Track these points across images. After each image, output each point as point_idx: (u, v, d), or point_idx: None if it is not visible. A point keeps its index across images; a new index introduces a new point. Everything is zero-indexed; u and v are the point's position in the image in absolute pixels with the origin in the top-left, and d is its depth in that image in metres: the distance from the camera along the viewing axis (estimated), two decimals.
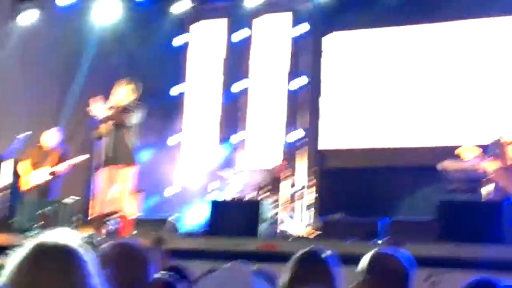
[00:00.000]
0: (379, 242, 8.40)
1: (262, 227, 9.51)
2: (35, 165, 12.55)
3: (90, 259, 2.21)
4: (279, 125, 16.32)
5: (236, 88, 16.61)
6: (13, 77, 16.01)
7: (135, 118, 10.35)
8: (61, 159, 12.60)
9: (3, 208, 12.80)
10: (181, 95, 17.29)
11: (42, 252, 2.15)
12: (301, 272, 3.82)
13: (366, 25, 15.65)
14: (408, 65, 15.31)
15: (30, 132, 13.01)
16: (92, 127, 10.82)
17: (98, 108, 10.18)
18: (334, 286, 3.88)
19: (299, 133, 15.63)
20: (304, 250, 3.97)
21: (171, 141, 16.91)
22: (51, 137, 12.74)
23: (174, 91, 17.18)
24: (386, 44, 15.63)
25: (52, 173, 12.51)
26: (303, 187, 14.04)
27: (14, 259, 2.16)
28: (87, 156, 12.85)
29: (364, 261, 3.90)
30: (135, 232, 10.15)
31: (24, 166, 12.60)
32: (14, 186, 12.81)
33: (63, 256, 2.15)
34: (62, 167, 12.51)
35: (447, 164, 11.17)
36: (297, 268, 3.84)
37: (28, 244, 2.19)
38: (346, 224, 10.30)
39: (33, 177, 12.46)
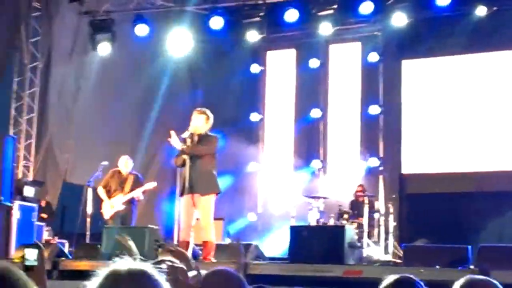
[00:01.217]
0: (467, 269, 8.23)
1: (347, 253, 9.43)
2: (114, 192, 12.77)
3: (164, 284, 2.23)
4: (355, 152, 16.28)
5: (312, 115, 16.64)
6: (92, 105, 16.35)
7: (213, 146, 10.40)
8: (136, 185, 12.79)
9: (89, 234, 13.05)
10: (259, 122, 17.38)
11: (116, 278, 2.19)
12: None
13: (433, 53, 15.58)
14: (488, 89, 15.13)
15: (107, 162, 13.24)
16: (172, 156, 10.92)
17: (175, 141, 10.26)
18: None
19: (374, 160, 15.54)
20: (397, 276, 3.90)
21: (250, 167, 16.99)
22: (125, 163, 12.95)
23: (253, 117, 17.28)
24: (462, 71, 15.51)
25: (129, 200, 12.69)
26: (384, 213, 13.94)
27: (91, 286, 2.20)
28: (155, 184, 13.01)
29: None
30: (217, 259, 10.18)
31: (103, 193, 12.84)
32: (96, 213, 13.05)
33: (136, 281, 2.17)
34: (137, 194, 12.69)
35: None
36: None
37: (103, 271, 2.22)
38: (431, 251, 10.14)
39: (113, 203, 12.68)
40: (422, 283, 3.87)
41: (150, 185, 12.95)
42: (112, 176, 12.94)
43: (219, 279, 3.37)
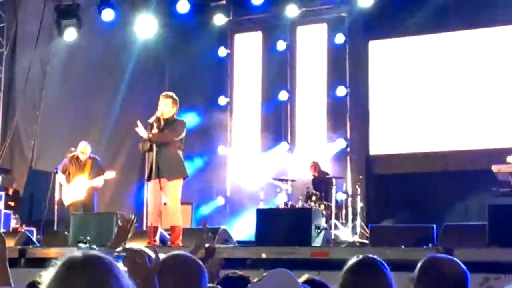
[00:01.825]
0: (431, 247, 8.31)
1: (314, 235, 9.48)
2: (73, 176, 12.71)
3: (118, 267, 2.26)
4: (322, 133, 16.33)
5: (279, 97, 16.66)
6: (58, 92, 16.24)
7: (180, 131, 10.38)
8: (95, 168, 12.74)
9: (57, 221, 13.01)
10: (226, 105, 17.38)
11: (71, 265, 2.21)
12: (358, 279, 3.78)
13: (400, 33, 15.66)
14: (456, 68, 15.23)
15: (74, 148, 13.20)
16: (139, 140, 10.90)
17: (142, 130, 10.24)
18: None
19: (341, 141, 15.59)
20: (361, 257, 3.93)
21: (218, 151, 16.99)
22: (84, 149, 12.90)
23: (220, 101, 17.28)
24: (429, 50, 15.58)
25: (90, 188, 12.65)
26: (351, 194, 14.04)
27: (49, 274, 2.22)
28: (114, 173, 12.97)
29: (419, 267, 3.85)
30: (185, 242, 10.19)
31: (63, 179, 12.78)
32: (60, 199, 13.00)
33: (91, 266, 2.20)
34: (96, 182, 12.65)
35: (498, 167, 11.03)
36: (354, 276, 3.80)
37: (60, 260, 2.25)
38: (397, 231, 10.23)
39: (72, 188, 12.62)
40: (385, 263, 3.92)
41: (110, 174, 12.89)
42: (70, 161, 12.86)
43: (176, 262, 3.40)
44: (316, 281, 4.56)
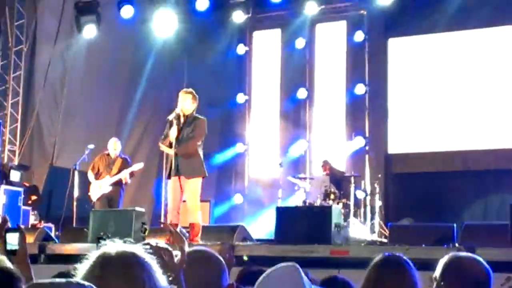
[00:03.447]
0: (452, 247, 8.27)
1: (334, 233, 9.46)
2: (101, 174, 12.77)
3: (153, 264, 2.30)
4: (341, 131, 16.30)
5: (297, 95, 16.63)
6: (78, 90, 16.28)
7: (198, 126, 10.39)
8: (124, 167, 12.79)
9: (76, 218, 13.05)
10: (245, 102, 17.37)
11: (106, 261, 2.25)
12: (383, 277, 3.78)
13: (419, 31, 15.60)
14: (476, 67, 15.15)
15: (93, 145, 13.27)
16: (157, 137, 10.92)
17: (167, 149, 10.32)
18: None
19: (360, 139, 15.52)
20: (386, 255, 3.92)
21: (236, 149, 16.98)
22: (114, 146, 12.95)
23: (239, 98, 17.27)
24: (449, 48, 15.51)
25: (117, 182, 12.69)
26: (369, 193, 14.01)
27: (82, 269, 2.26)
28: (142, 164, 13.02)
29: (442, 265, 3.83)
30: (204, 240, 10.20)
31: (91, 175, 12.83)
32: (82, 197, 13.04)
33: (126, 263, 2.24)
34: (124, 175, 12.68)
35: None
36: (379, 273, 3.80)
37: (93, 254, 2.29)
38: (416, 229, 10.20)
39: (101, 186, 12.68)
40: (409, 261, 3.91)
41: (138, 166, 12.96)
42: (100, 159, 12.94)
43: (199, 257, 3.43)
44: (339, 278, 4.56)
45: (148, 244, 2.95)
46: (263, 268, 5.20)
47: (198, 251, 3.57)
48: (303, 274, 2.92)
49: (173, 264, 2.97)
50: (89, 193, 12.88)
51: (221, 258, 3.53)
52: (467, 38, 15.44)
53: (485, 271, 3.81)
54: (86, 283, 1.70)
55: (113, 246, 2.32)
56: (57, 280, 1.71)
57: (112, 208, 12.50)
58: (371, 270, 3.87)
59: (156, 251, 2.94)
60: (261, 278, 2.99)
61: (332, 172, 14.46)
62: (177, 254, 3.14)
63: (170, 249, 3.15)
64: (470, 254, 4.01)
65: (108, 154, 12.94)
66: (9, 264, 3.58)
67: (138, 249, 2.35)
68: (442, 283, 3.75)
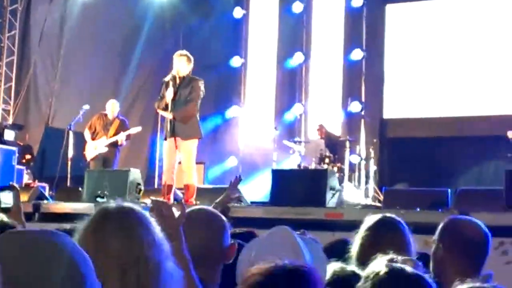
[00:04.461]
0: (447, 211, 8.30)
1: (329, 196, 9.48)
2: (98, 134, 12.77)
3: (152, 220, 2.35)
4: (337, 96, 16.28)
5: (293, 60, 16.57)
6: (75, 51, 16.22)
7: (196, 89, 10.37)
8: (121, 129, 12.78)
9: (70, 177, 13.06)
10: (241, 66, 17.31)
11: (105, 216, 2.31)
12: (377, 238, 3.78)
13: None
14: (473, 33, 15.10)
15: (88, 106, 13.25)
16: (153, 99, 10.91)
17: (166, 114, 10.30)
18: (410, 252, 3.84)
19: (356, 104, 15.49)
20: (380, 216, 3.93)
21: (231, 112, 16.96)
22: (112, 107, 12.95)
23: (235, 61, 17.21)
24: (446, 15, 15.45)
25: (113, 143, 12.70)
26: (365, 157, 14.04)
27: (82, 224, 2.32)
28: (140, 128, 13.02)
29: (440, 228, 3.85)
30: (199, 201, 10.22)
31: (88, 134, 12.83)
32: (77, 157, 13.05)
33: (124, 217, 2.30)
34: (120, 137, 12.68)
35: None
36: (372, 235, 3.80)
37: (94, 211, 2.37)
38: (411, 194, 10.23)
39: (96, 146, 12.69)
40: (403, 222, 3.92)
41: (135, 129, 12.96)
42: (98, 119, 12.93)
43: (199, 217, 3.42)
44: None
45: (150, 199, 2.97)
46: (253, 230, 5.22)
47: (198, 210, 3.57)
48: (296, 235, 2.94)
49: (173, 220, 2.97)
50: (84, 152, 12.89)
51: (222, 217, 3.52)
52: (464, 3, 15.38)
53: (483, 234, 3.83)
54: (62, 232, 1.72)
55: (112, 202, 2.38)
56: (36, 228, 1.74)
57: (108, 167, 12.53)
58: (365, 232, 3.88)
59: (156, 205, 2.95)
60: (254, 241, 3.00)
61: (328, 136, 14.48)
62: (176, 212, 3.15)
63: (169, 203, 3.15)
64: (468, 217, 4.03)
65: (106, 115, 12.93)
66: (5, 218, 3.60)
67: (137, 206, 2.39)
68: (440, 245, 3.77)
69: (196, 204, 9.61)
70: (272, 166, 13.88)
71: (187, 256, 2.86)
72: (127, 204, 2.37)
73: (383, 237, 3.81)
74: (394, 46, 15.95)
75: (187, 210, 3.25)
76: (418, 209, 8.57)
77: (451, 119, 14.93)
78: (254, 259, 2.57)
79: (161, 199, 3.17)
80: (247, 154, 16.33)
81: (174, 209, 3.06)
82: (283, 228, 3.00)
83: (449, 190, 9.55)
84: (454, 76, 15.11)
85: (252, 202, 11.36)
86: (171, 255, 2.33)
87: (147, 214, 2.37)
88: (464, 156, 13.98)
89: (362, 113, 15.50)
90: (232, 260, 3.34)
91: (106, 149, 12.71)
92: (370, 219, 3.97)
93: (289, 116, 16.37)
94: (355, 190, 13.20)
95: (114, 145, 12.81)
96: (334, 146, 14.27)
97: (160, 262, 2.24)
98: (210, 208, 3.67)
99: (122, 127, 12.89)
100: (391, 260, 2.81)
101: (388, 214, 4.06)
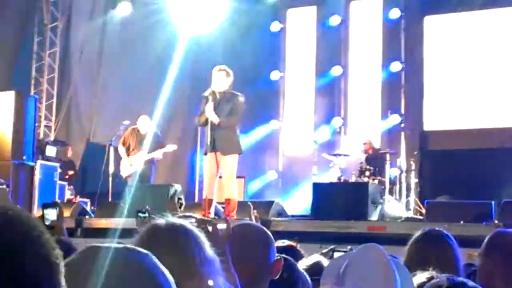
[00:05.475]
0: (491, 223, 8.20)
1: (371, 209, 9.44)
2: (134, 150, 12.79)
3: (202, 237, 2.31)
4: (376, 109, 16.20)
5: (332, 73, 16.55)
6: (115, 67, 16.35)
7: (238, 104, 10.37)
8: (155, 144, 12.81)
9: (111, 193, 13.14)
10: (279, 80, 17.32)
11: (155, 233, 2.27)
12: (424, 252, 3.75)
13: (456, 8, 15.43)
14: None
15: (128, 121, 13.30)
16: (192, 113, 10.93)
17: (213, 116, 10.25)
18: (458, 267, 3.80)
19: (395, 117, 15.40)
20: (427, 230, 3.89)
21: (270, 126, 16.97)
22: (144, 122, 12.96)
23: (273, 75, 17.23)
24: (485, 26, 15.33)
25: (149, 160, 12.72)
26: (405, 170, 13.94)
27: (132, 240, 2.27)
28: (175, 147, 13.02)
29: (486, 242, 3.79)
30: (239, 216, 10.22)
31: (122, 150, 12.86)
32: (118, 172, 13.10)
33: (175, 235, 2.26)
34: (157, 155, 12.72)
35: None
36: (421, 248, 3.77)
37: (144, 227, 2.33)
38: (454, 206, 10.14)
39: (132, 162, 12.71)
40: (451, 236, 3.87)
41: (171, 147, 12.96)
42: (131, 134, 12.95)
43: (244, 232, 3.41)
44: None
45: (191, 217, 2.95)
46: (294, 243, 5.19)
47: (244, 225, 3.55)
48: (388, 255, 2.85)
49: (218, 237, 2.96)
50: (116, 168, 12.92)
51: (268, 232, 3.50)
52: (503, 15, 15.25)
53: None
54: (144, 250, 1.70)
55: (162, 219, 2.34)
56: (116, 244, 1.71)
57: (145, 183, 12.56)
58: (414, 245, 3.84)
59: (201, 223, 2.94)
60: (343, 257, 2.93)
61: (374, 151, 14.37)
62: (222, 229, 3.14)
63: (214, 221, 3.15)
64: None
65: (139, 130, 12.95)
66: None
67: (186, 222, 2.37)
68: (488, 259, 3.71)
69: (236, 219, 9.62)
70: (312, 179, 13.84)
71: (234, 273, 2.85)
72: (177, 220, 2.35)
73: (431, 251, 3.77)
74: (433, 57, 15.85)
75: (232, 225, 3.25)
76: (462, 222, 8.49)
77: (492, 130, 14.78)
78: (343, 277, 2.52)
79: (205, 217, 3.14)
80: (287, 167, 16.32)
81: (219, 225, 3.06)
82: (374, 247, 2.93)
83: (493, 202, 9.44)
84: (494, 87, 14.97)
85: (292, 216, 11.32)
86: (221, 271, 2.32)
87: (196, 230, 2.35)
88: (506, 167, 13.82)
89: (402, 125, 15.40)
90: (278, 276, 3.32)
91: (143, 165, 12.72)
92: (417, 233, 3.94)
93: (328, 129, 16.32)
94: (396, 203, 13.11)
95: (149, 161, 12.84)
96: (374, 159, 14.21)
97: (213, 278, 2.24)
98: (256, 223, 3.65)
99: (156, 140, 12.90)
100: (430, 278, 2.78)
101: (436, 228, 4.02)
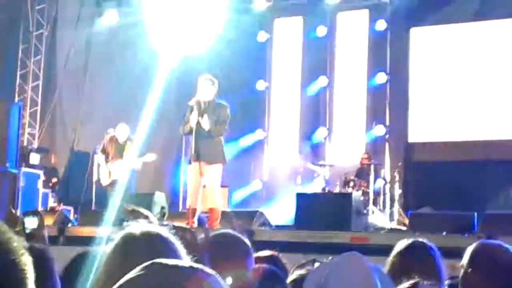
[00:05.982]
0: (473, 235, 8.23)
1: (354, 220, 9.44)
2: (112, 158, 12.73)
3: (178, 244, 2.27)
4: (361, 120, 16.22)
5: (318, 83, 16.57)
6: (100, 75, 16.31)
7: (224, 114, 10.37)
8: (132, 152, 12.77)
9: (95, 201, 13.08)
10: (265, 90, 17.32)
11: (130, 240, 2.25)
12: (407, 263, 3.74)
13: (442, 21, 15.49)
14: (498, 57, 15.02)
15: (112, 129, 13.24)
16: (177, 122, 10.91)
17: (205, 122, 10.23)
18: (441, 277, 3.80)
19: (380, 128, 15.44)
20: (410, 241, 3.89)
21: (255, 135, 16.96)
22: (122, 131, 12.91)
23: (259, 85, 17.23)
24: (471, 39, 15.39)
25: (128, 169, 12.67)
26: (389, 181, 13.96)
27: (107, 249, 2.26)
28: (155, 156, 12.96)
29: (469, 253, 3.78)
30: (223, 225, 10.20)
31: (102, 159, 12.80)
32: (98, 180, 13.05)
33: (150, 242, 2.23)
34: (137, 165, 12.66)
35: None
36: (403, 259, 3.76)
37: (118, 234, 2.29)
38: (436, 218, 10.16)
39: (111, 170, 12.66)
40: (435, 248, 3.87)
41: (150, 157, 12.90)
42: (109, 142, 12.89)
43: (226, 240, 3.41)
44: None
45: (169, 224, 2.94)
46: (276, 253, 5.16)
47: (223, 234, 3.56)
48: (368, 263, 2.83)
49: (196, 245, 2.95)
50: (99, 176, 12.85)
51: (247, 241, 3.50)
52: (489, 28, 15.31)
53: None
54: (212, 271, 1.62)
55: (137, 226, 2.31)
56: (181, 263, 1.63)
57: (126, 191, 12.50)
58: (397, 256, 3.84)
59: (178, 231, 2.92)
60: (324, 266, 2.91)
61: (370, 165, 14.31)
62: (201, 237, 3.13)
63: (192, 230, 3.14)
64: (498, 242, 3.97)
65: (117, 139, 12.89)
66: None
67: (162, 229, 2.33)
68: (469, 270, 3.71)
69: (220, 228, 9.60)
70: (297, 189, 13.82)
71: None
72: (152, 228, 2.31)
73: (414, 262, 3.77)
74: (419, 69, 15.89)
75: (211, 234, 3.24)
76: (445, 233, 8.50)
77: (476, 142, 14.83)
78: (324, 285, 2.50)
79: (183, 224, 3.13)
80: (271, 177, 16.31)
81: (198, 234, 3.05)
82: (355, 255, 2.92)
83: (475, 214, 9.46)
84: (479, 100, 15.02)
85: (276, 226, 11.32)
86: None
87: (173, 238, 2.32)
88: (490, 180, 13.87)
89: (387, 136, 15.44)
90: (258, 285, 3.30)
91: (122, 174, 12.65)
92: (401, 244, 3.94)
93: (313, 139, 16.33)
94: (380, 214, 13.13)
95: (129, 170, 12.79)
96: (359, 170, 14.23)
97: None
98: (234, 232, 3.64)
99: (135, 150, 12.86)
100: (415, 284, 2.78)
101: (420, 239, 4.02)
